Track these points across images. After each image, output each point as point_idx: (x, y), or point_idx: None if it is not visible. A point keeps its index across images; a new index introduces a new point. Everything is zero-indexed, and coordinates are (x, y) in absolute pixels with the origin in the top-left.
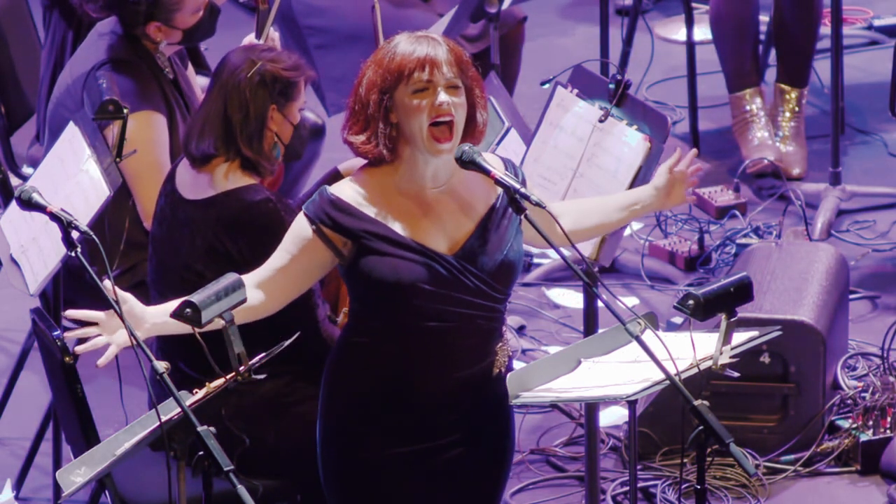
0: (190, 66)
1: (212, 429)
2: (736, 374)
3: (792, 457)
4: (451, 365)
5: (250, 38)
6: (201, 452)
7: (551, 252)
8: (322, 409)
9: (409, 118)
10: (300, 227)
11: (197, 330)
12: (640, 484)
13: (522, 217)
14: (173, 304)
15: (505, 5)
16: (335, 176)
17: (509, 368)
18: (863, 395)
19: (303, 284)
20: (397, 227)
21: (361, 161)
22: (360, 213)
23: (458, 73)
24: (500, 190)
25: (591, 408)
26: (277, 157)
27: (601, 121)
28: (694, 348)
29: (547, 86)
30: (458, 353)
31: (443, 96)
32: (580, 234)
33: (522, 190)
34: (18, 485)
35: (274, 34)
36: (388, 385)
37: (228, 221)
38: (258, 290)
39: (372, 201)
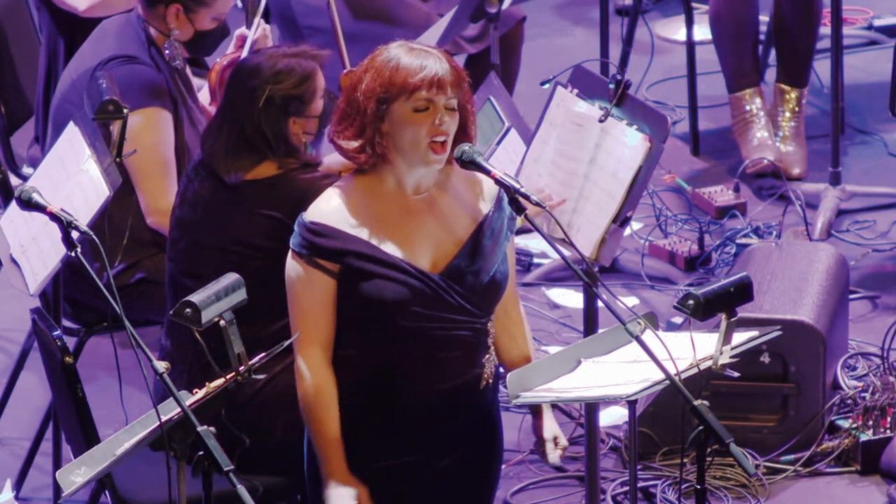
0: (187, 68)
1: (212, 429)
2: (736, 374)
3: (792, 457)
4: (436, 378)
5: (241, 31)
6: (201, 452)
7: (551, 252)
8: None
9: (405, 131)
10: (296, 267)
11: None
12: (640, 484)
13: (512, 235)
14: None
15: (505, 5)
16: None
17: (497, 379)
18: (863, 395)
19: (333, 314)
20: (381, 243)
21: (337, 159)
22: (342, 234)
23: (456, 93)
24: (488, 209)
25: (591, 408)
26: (311, 152)
27: (601, 121)
28: (694, 348)
29: (547, 86)
30: (443, 366)
31: (444, 118)
32: (506, 344)
33: (523, 189)
34: (18, 485)
35: (266, 26)
36: (373, 397)
37: (296, 198)
38: (322, 354)
39: (353, 214)
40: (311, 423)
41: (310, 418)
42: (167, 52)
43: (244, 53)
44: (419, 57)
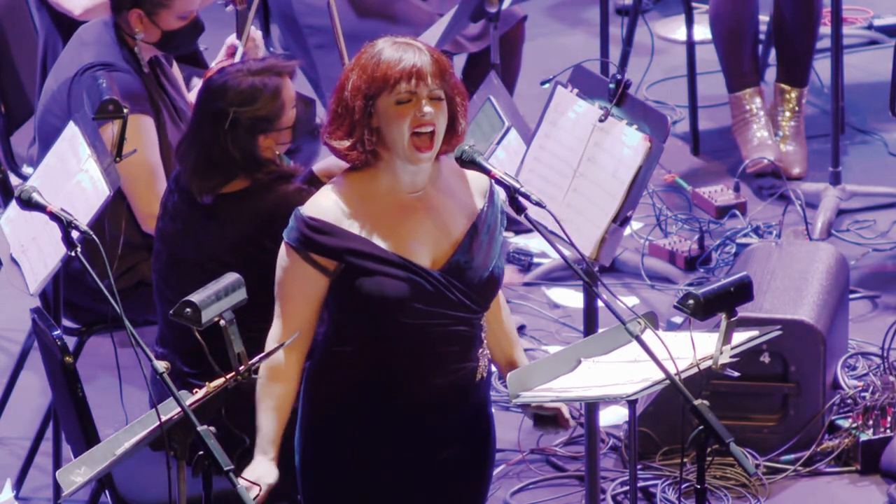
0: (175, 65)
1: (212, 428)
2: (736, 374)
3: (792, 457)
4: (433, 372)
5: (231, 39)
6: (201, 452)
7: (551, 252)
8: (302, 416)
9: (391, 126)
10: (287, 259)
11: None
12: (640, 484)
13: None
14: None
15: (505, 5)
16: (310, 178)
17: (490, 374)
18: (863, 394)
19: (318, 310)
20: (380, 240)
21: (337, 161)
22: (340, 231)
23: (440, 83)
24: (482, 204)
25: (591, 408)
26: (289, 162)
27: (601, 120)
28: (694, 348)
29: (547, 86)
30: (440, 360)
31: (426, 108)
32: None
33: (523, 189)
34: (18, 485)
35: (256, 34)
36: (370, 392)
37: (265, 213)
38: (295, 335)
39: (351, 211)
40: (258, 392)
41: (259, 388)
42: (139, 55)
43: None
44: (399, 50)
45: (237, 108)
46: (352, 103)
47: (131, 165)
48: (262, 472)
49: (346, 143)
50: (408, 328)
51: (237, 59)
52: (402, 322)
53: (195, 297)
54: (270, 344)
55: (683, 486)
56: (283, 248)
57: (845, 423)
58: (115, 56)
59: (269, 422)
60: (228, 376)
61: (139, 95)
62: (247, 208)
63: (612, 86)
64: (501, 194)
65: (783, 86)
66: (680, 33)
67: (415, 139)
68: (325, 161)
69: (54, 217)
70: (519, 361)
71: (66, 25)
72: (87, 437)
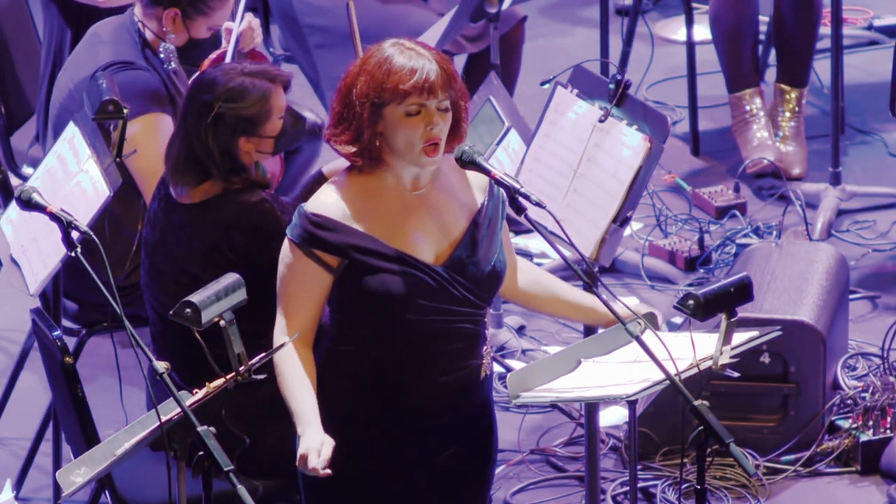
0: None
1: (212, 429)
2: (736, 374)
3: (792, 457)
4: (439, 370)
5: (228, 24)
6: (201, 452)
7: (551, 252)
8: None
9: (398, 134)
10: (290, 255)
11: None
12: (640, 484)
13: (521, 218)
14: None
15: (505, 5)
16: (319, 179)
17: (493, 373)
18: (863, 395)
19: (321, 307)
20: (383, 237)
21: (345, 163)
22: (344, 227)
23: (448, 93)
24: (482, 199)
25: (591, 408)
26: (265, 174)
27: (601, 121)
28: (694, 348)
29: (547, 86)
30: (445, 358)
31: (436, 121)
32: (526, 296)
33: (523, 189)
34: (18, 485)
35: (254, 21)
36: (374, 392)
37: (226, 223)
38: (296, 335)
39: (354, 209)
40: (279, 379)
41: (278, 375)
42: (162, 54)
43: (230, 47)
44: (410, 59)
45: (223, 104)
46: (359, 110)
47: (152, 165)
48: (318, 436)
49: (352, 149)
50: (412, 325)
51: (232, 42)
52: (406, 319)
53: (195, 298)
54: (275, 340)
55: (683, 486)
56: (285, 245)
57: (845, 424)
58: (135, 54)
59: (294, 400)
60: (228, 377)
61: (160, 94)
62: (210, 217)
63: (612, 86)
64: (501, 194)
65: (783, 86)
66: (680, 33)
67: (424, 147)
68: (335, 163)
69: (54, 217)
70: (578, 297)
71: (75, 21)
72: (87, 437)
